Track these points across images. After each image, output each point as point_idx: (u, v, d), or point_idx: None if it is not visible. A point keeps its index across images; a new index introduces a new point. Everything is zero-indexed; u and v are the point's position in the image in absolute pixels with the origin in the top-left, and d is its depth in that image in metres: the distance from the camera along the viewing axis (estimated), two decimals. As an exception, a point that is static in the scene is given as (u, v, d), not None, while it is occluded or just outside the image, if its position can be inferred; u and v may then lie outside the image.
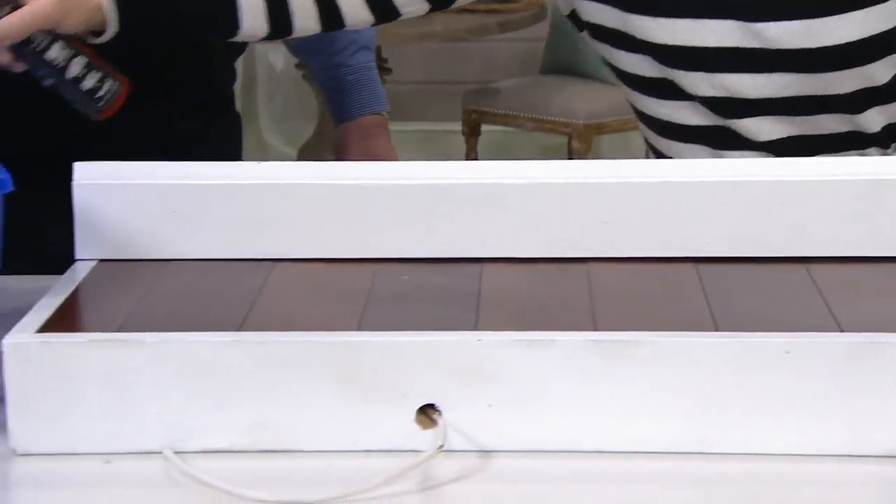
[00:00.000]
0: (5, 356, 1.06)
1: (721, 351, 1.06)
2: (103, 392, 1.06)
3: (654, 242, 1.37)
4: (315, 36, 1.94)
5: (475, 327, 1.15)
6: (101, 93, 1.52)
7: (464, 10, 5.54)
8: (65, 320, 1.15)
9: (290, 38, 1.82)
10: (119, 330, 1.12)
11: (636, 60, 1.75)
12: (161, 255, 1.37)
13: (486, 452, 1.06)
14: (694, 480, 1.05)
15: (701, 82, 1.72)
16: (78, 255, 1.35)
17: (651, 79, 1.77)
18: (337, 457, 1.07)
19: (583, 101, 5.52)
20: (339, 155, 2.26)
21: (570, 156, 5.55)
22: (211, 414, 1.07)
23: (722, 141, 1.75)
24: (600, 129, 5.56)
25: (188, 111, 1.98)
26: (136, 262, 1.36)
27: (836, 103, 1.68)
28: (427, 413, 1.06)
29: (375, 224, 1.38)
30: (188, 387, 1.06)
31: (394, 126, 2.38)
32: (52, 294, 1.20)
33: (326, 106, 2.38)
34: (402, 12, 1.72)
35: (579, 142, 5.47)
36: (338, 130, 2.30)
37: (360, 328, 1.15)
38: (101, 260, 1.33)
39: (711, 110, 1.73)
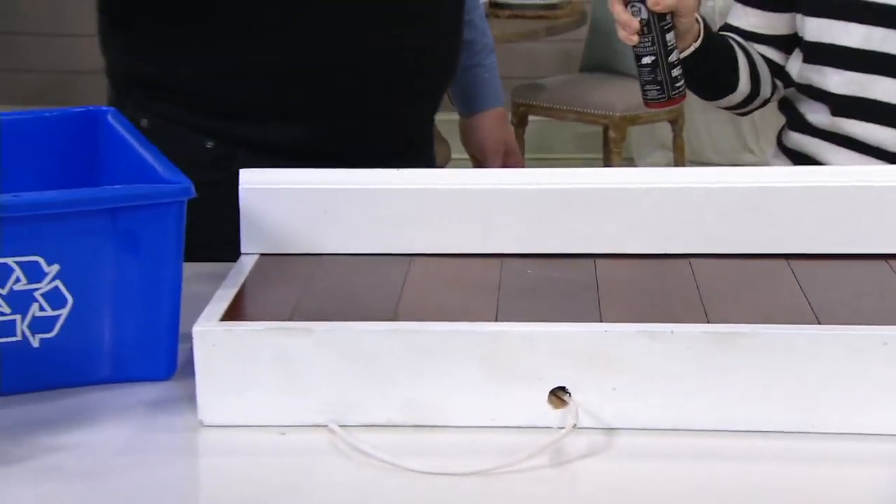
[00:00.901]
0: (195, 342, 1.09)
1: (823, 342, 1.07)
2: (277, 373, 1.09)
3: (747, 240, 1.37)
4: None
5: (600, 319, 1.17)
6: (679, 83, 1.70)
7: (515, 16, 5.63)
8: (241, 309, 1.18)
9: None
10: (289, 318, 1.15)
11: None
12: (314, 251, 1.39)
13: (611, 430, 1.07)
14: (799, 458, 1.05)
15: None
16: (243, 250, 1.37)
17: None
18: (479, 432, 1.09)
19: (618, 95, 5.61)
20: (481, 136, 2.27)
21: (606, 144, 5.73)
22: (370, 393, 1.09)
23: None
24: (633, 120, 5.68)
25: None
26: (293, 255, 1.38)
27: None
28: (558, 395, 1.08)
29: (500, 223, 1.39)
30: (350, 369, 1.09)
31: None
32: (226, 286, 1.23)
33: (456, 100, 2.35)
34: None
35: (615, 131, 5.60)
36: (475, 118, 2.29)
37: (497, 319, 1.17)
38: (263, 254, 1.36)
39: None
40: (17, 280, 1.12)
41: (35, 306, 1.14)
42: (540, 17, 5.76)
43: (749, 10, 1.94)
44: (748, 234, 1.38)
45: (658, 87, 1.72)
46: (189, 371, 1.17)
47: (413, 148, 1.95)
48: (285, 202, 1.39)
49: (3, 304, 1.12)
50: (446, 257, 1.40)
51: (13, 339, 1.14)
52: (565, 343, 1.08)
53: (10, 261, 1.11)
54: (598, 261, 1.36)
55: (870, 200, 1.38)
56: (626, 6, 1.65)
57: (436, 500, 1.01)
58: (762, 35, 1.93)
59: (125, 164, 1.36)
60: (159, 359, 1.21)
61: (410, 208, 1.40)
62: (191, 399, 1.13)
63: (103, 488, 1.04)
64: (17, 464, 1.05)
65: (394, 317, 1.19)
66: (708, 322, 1.15)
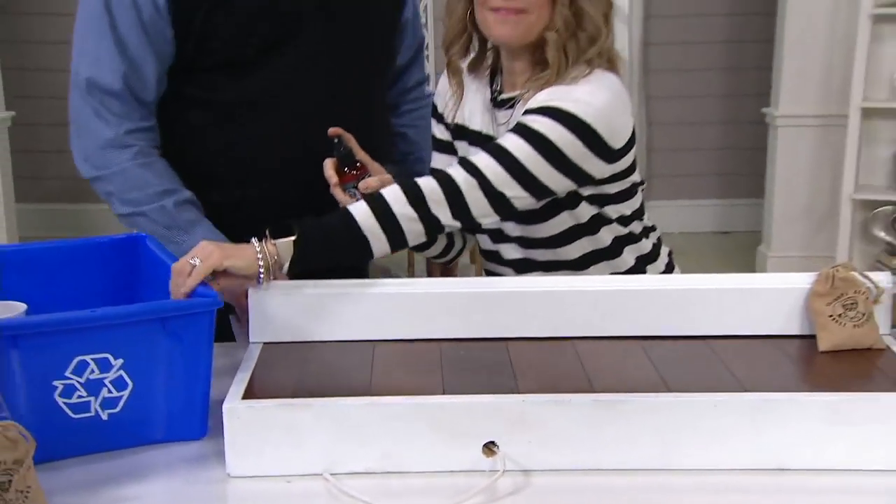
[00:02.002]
0: (225, 415, 1.20)
1: (671, 405, 1.22)
2: (284, 436, 1.19)
3: (613, 327, 1.48)
4: None
5: (517, 390, 1.28)
6: None
7: None
8: (256, 389, 1.27)
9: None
10: (292, 396, 1.24)
11: None
12: (305, 339, 1.48)
13: (528, 471, 1.20)
14: (661, 488, 1.18)
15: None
16: (251, 339, 1.45)
17: None
18: (434, 476, 1.20)
19: None
20: None
21: None
22: (353, 449, 1.20)
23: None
24: None
25: None
26: (289, 343, 1.46)
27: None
28: (489, 447, 1.19)
29: (438, 317, 1.48)
30: (338, 432, 1.20)
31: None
32: (242, 369, 1.32)
33: None
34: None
35: None
36: None
37: (444, 391, 1.28)
38: (266, 343, 1.44)
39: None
40: (92, 371, 1.23)
41: (104, 390, 1.25)
42: None
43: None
44: (613, 323, 1.48)
45: None
46: (216, 431, 1.26)
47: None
48: (284, 302, 1.46)
49: (81, 389, 1.23)
50: (400, 342, 1.48)
51: (88, 414, 1.25)
52: (493, 409, 1.21)
53: (87, 357, 1.22)
54: (510, 343, 1.45)
55: (693, 298, 1.50)
56: (343, 191, 1.61)
57: None
58: None
59: (163, 278, 1.42)
60: (196, 423, 1.30)
61: (374, 307, 1.49)
62: (220, 455, 1.23)
63: None
64: None
65: (368, 391, 1.28)
66: (593, 391, 1.27)
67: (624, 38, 5.80)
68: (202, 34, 1.72)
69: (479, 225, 1.53)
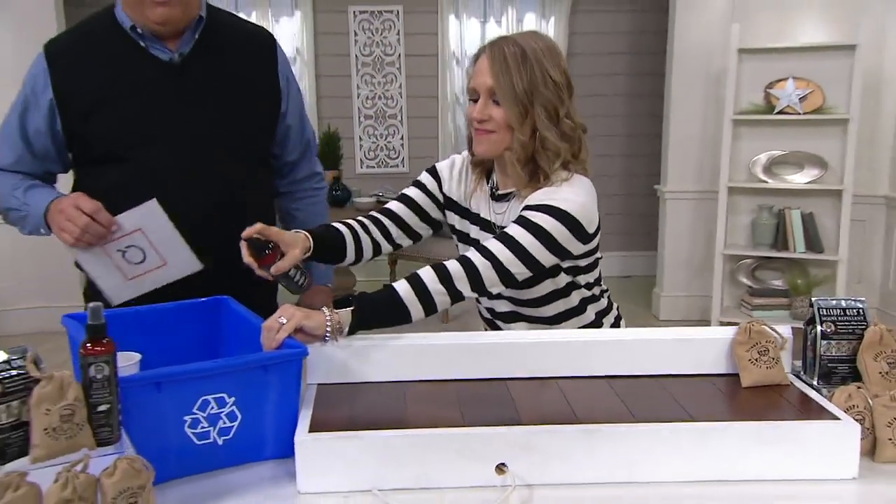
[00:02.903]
0: (297, 446, 1.20)
1: (638, 432, 1.23)
2: (341, 460, 1.19)
3: (586, 368, 1.49)
4: None
5: (520, 422, 1.28)
6: (304, 284, 1.58)
7: None
8: (318, 423, 1.26)
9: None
10: (345, 429, 1.23)
11: None
12: (350, 381, 1.46)
13: (531, 486, 1.20)
14: (632, 496, 1.19)
15: None
16: (308, 381, 1.43)
17: None
18: (459, 491, 1.20)
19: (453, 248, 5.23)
20: (307, 301, 1.87)
21: None
22: (394, 470, 1.20)
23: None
24: None
25: None
26: (339, 384, 1.45)
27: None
28: (501, 467, 1.20)
29: (455, 362, 1.48)
30: (383, 457, 1.20)
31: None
32: (305, 406, 1.31)
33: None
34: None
35: None
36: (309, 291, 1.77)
37: (464, 423, 1.28)
38: (320, 384, 1.43)
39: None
40: (212, 407, 1.24)
41: (221, 421, 1.25)
42: None
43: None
44: (586, 365, 1.49)
45: (295, 289, 1.59)
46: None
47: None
48: (333, 351, 1.44)
49: (204, 421, 1.23)
50: (425, 382, 1.47)
51: (208, 441, 1.25)
52: (503, 438, 1.21)
53: (209, 397, 1.23)
54: (508, 382, 1.46)
55: (646, 346, 1.51)
56: (259, 267, 1.51)
57: None
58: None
59: (246, 332, 1.45)
60: (287, 445, 1.25)
61: (404, 355, 1.48)
62: (290, 476, 1.22)
63: None
64: None
65: (404, 423, 1.28)
66: (578, 421, 1.28)
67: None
68: (84, 135, 1.72)
69: (491, 293, 1.52)
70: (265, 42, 1.85)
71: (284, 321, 1.34)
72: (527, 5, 5.98)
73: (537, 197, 1.52)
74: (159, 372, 1.21)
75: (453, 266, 1.47)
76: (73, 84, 1.70)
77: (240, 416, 1.27)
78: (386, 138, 6.14)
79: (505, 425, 1.26)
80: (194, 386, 1.23)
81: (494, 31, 6.00)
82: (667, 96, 5.08)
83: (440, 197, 1.74)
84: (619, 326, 1.76)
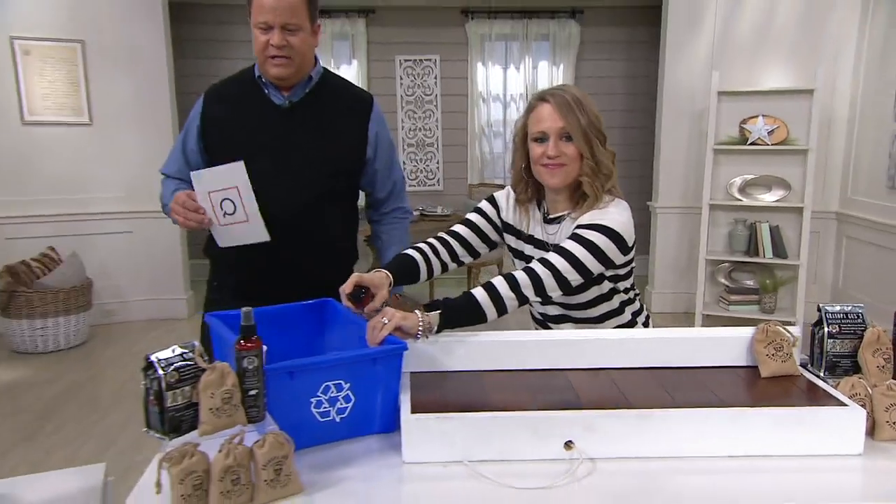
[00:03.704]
0: (402, 424, 1.19)
1: (676, 417, 1.21)
2: (438, 436, 1.19)
3: (629, 362, 1.47)
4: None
5: (582, 407, 1.27)
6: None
7: (428, 219, 5.44)
8: (417, 405, 1.25)
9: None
10: (440, 411, 1.22)
11: None
12: (438, 370, 1.46)
13: (594, 459, 1.19)
14: (676, 468, 1.17)
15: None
16: (403, 370, 1.36)
17: None
18: (535, 463, 1.19)
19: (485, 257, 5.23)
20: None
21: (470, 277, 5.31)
22: (481, 445, 1.19)
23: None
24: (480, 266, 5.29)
25: None
26: (427, 372, 1.44)
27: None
28: (569, 444, 1.19)
29: (525, 355, 1.47)
30: (472, 434, 1.19)
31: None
32: (404, 391, 1.30)
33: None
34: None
35: (476, 269, 5.24)
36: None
37: (536, 407, 1.27)
38: (412, 372, 1.40)
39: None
40: (332, 391, 1.24)
41: (338, 402, 1.25)
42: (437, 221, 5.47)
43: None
44: (632, 359, 1.47)
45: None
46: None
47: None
48: (423, 345, 1.43)
49: (326, 403, 1.23)
50: (499, 371, 1.46)
51: (329, 419, 1.25)
52: (570, 420, 1.20)
53: (330, 383, 1.23)
54: (567, 372, 1.45)
55: (683, 342, 1.49)
56: (356, 309, 1.48)
57: (518, 500, 1.09)
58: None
59: (345, 328, 1.47)
60: (390, 422, 1.29)
61: (482, 349, 1.47)
62: (395, 448, 1.22)
63: (361, 496, 1.12)
64: (322, 486, 1.13)
65: (486, 407, 1.25)
66: (630, 406, 1.26)
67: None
68: (218, 152, 1.80)
69: (550, 297, 1.50)
70: (363, 101, 1.89)
71: (386, 321, 1.34)
72: (540, 55, 5.95)
73: (588, 217, 1.51)
74: (293, 363, 1.21)
75: (520, 276, 1.46)
76: (214, 115, 1.84)
77: (353, 399, 1.27)
78: (424, 162, 6.13)
79: (571, 409, 1.25)
80: (319, 374, 1.23)
81: (513, 75, 5.98)
82: (657, 129, 5.04)
83: (498, 222, 1.72)
84: (648, 324, 1.73)
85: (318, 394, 1.24)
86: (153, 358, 1.09)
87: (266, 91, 1.79)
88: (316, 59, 1.83)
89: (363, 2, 5.80)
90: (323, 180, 1.80)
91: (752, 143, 4.47)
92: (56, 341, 4.27)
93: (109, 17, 4.50)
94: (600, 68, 6.00)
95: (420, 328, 1.38)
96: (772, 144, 4.45)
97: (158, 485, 1.05)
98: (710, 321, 4.64)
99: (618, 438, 1.21)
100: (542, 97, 1.56)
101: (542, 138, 1.55)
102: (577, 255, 1.46)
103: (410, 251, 1.66)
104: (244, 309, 1.14)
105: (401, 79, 5.97)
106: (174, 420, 1.09)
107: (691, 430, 1.21)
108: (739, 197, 4.56)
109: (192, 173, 1.72)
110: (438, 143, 6.09)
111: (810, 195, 4.41)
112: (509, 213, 1.71)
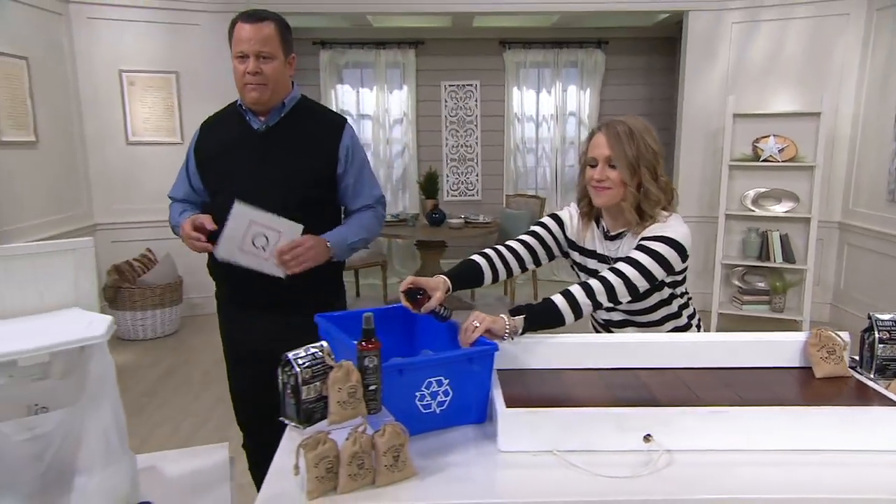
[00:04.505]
0: (499, 417, 1.17)
1: (748, 414, 1.18)
2: (529, 427, 1.17)
3: (695, 362, 1.43)
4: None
5: (658, 404, 1.25)
6: (446, 314, 1.45)
7: (471, 226, 5.37)
8: (510, 400, 1.22)
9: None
10: (528, 405, 1.20)
11: None
12: (521, 367, 1.44)
13: (671, 451, 1.17)
14: (745, 461, 1.13)
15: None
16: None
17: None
18: (616, 454, 1.16)
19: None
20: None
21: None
22: (569, 436, 1.17)
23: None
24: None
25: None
26: (512, 370, 1.42)
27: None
28: (647, 437, 1.17)
29: (597, 354, 1.45)
30: (559, 426, 1.17)
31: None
32: (495, 387, 1.27)
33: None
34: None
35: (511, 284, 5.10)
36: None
37: (617, 403, 1.24)
38: (498, 369, 1.34)
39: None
40: (433, 387, 1.23)
41: (439, 396, 1.25)
42: (480, 228, 5.55)
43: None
44: (698, 360, 1.44)
45: (439, 319, 1.45)
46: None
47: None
48: (509, 345, 1.41)
49: (428, 397, 1.23)
50: (576, 370, 1.44)
51: (430, 411, 1.24)
52: (648, 415, 1.18)
53: (432, 379, 1.23)
54: (638, 371, 1.42)
55: (746, 345, 1.45)
56: (413, 308, 1.43)
57: (605, 487, 1.07)
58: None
59: (433, 328, 1.45)
60: (483, 413, 1.28)
61: (560, 349, 1.45)
62: (491, 437, 1.21)
63: (465, 480, 1.11)
64: (431, 470, 1.12)
65: (570, 402, 1.24)
66: (701, 403, 1.24)
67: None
68: (206, 174, 1.82)
69: (621, 302, 1.48)
70: (335, 124, 1.81)
71: (477, 324, 1.33)
72: (569, 80, 5.90)
73: (651, 230, 1.50)
74: (403, 362, 1.22)
75: (595, 284, 1.45)
76: (204, 142, 1.84)
77: (451, 393, 1.26)
78: (465, 175, 6.12)
79: (648, 405, 1.22)
80: (424, 372, 1.23)
81: (545, 98, 5.93)
82: (676, 147, 4.96)
83: (561, 237, 1.69)
84: (700, 326, 1.69)
85: (422, 388, 1.23)
86: (290, 357, 1.09)
87: (246, 117, 1.77)
88: (293, 87, 1.79)
89: (413, 35, 5.81)
90: (299, 191, 1.72)
91: (764, 160, 4.38)
92: (154, 330, 4.35)
93: (199, 52, 4.57)
94: (623, 92, 5.93)
95: (507, 331, 1.37)
96: (782, 161, 4.35)
97: (297, 467, 1.06)
98: (725, 319, 4.56)
99: (692, 433, 1.18)
100: (599, 127, 1.55)
101: (592, 163, 1.54)
102: (644, 264, 1.45)
103: (476, 257, 1.63)
104: (365, 314, 1.14)
105: (445, 101, 5.96)
106: (308, 411, 1.09)
107: (759, 425, 1.18)
108: (752, 208, 4.47)
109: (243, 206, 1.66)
110: (478, 158, 6.06)
111: (817, 207, 4.31)
112: (573, 231, 1.68)
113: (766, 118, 4.40)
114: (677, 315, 1.63)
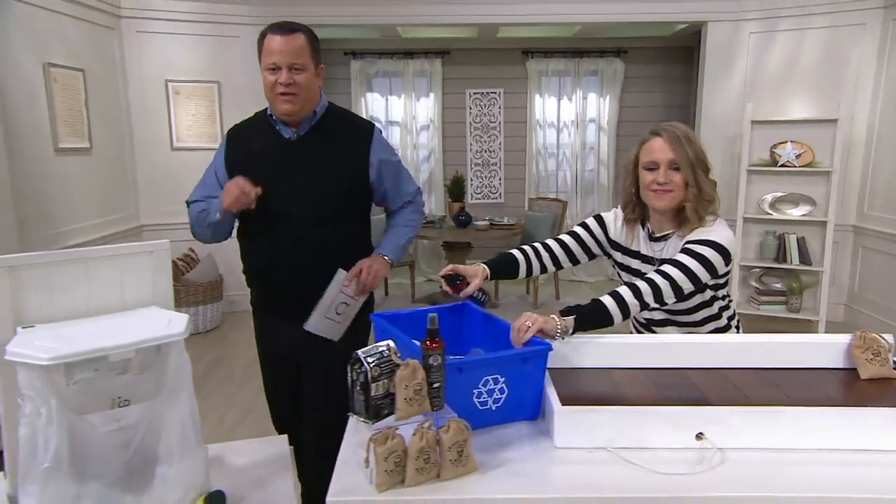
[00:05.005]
0: (556, 415, 1.15)
1: (798, 413, 1.16)
2: (584, 425, 1.16)
3: (742, 362, 1.41)
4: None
5: (709, 403, 1.23)
6: (484, 300, 1.51)
7: (497, 228, 5.34)
8: (564, 398, 1.21)
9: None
10: (582, 403, 1.18)
11: None
12: (571, 366, 1.43)
13: (723, 449, 1.15)
14: (796, 459, 1.11)
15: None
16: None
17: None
18: (670, 451, 1.14)
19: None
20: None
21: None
22: (622, 433, 1.16)
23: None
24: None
25: None
26: (562, 369, 1.41)
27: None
28: (699, 435, 1.15)
29: (646, 354, 1.44)
30: (614, 424, 1.16)
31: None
32: (549, 385, 1.26)
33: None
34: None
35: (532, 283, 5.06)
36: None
37: (669, 402, 1.23)
38: (549, 368, 1.30)
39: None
40: (490, 385, 1.22)
41: (495, 394, 1.24)
42: (504, 229, 5.54)
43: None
44: (743, 359, 1.43)
45: (478, 303, 1.50)
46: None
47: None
48: (559, 345, 1.40)
49: (485, 394, 1.22)
50: (625, 369, 1.43)
51: (487, 407, 1.24)
52: (700, 414, 1.16)
53: (489, 377, 1.22)
54: (686, 371, 1.41)
55: (791, 346, 1.41)
56: (452, 292, 1.47)
57: (662, 484, 1.06)
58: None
59: (485, 326, 1.44)
60: (536, 410, 1.27)
61: (609, 349, 1.44)
62: (546, 434, 1.20)
63: (524, 475, 1.10)
64: (492, 465, 1.11)
65: (622, 401, 1.23)
66: (750, 403, 1.22)
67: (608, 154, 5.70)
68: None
69: (666, 303, 1.46)
70: (364, 130, 1.78)
71: (530, 325, 1.32)
72: (590, 88, 5.85)
73: (697, 234, 1.48)
74: (462, 361, 1.21)
75: (642, 285, 1.43)
76: (233, 149, 1.77)
77: (507, 391, 1.25)
78: (489, 179, 6.10)
79: (699, 405, 1.21)
80: (482, 370, 1.22)
81: (566, 105, 5.89)
82: (694, 153, 4.90)
83: (603, 238, 1.67)
84: (739, 328, 1.67)
85: (479, 386, 1.22)
86: (360, 355, 1.09)
87: (277, 127, 1.72)
88: (321, 96, 1.75)
89: (440, 45, 5.80)
90: (333, 199, 1.71)
91: (781, 165, 4.31)
92: (196, 325, 4.40)
93: (239, 63, 4.61)
94: (641, 99, 5.88)
95: (558, 331, 1.36)
96: (799, 166, 4.28)
97: (367, 461, 1.05)
98: (743, 318, 4.42)
99: (743, 431, 1.17)
100: (655, 132, 1.53)
101: (652, 167, 1.51)
102: (690, 267, 1.43)
103: (514, 251, 1.63)
104: (430, 315, 1.14)
105: (470, 108, 5.95)
106: (376, 407, 1.09)
107: (810, 425, 1.16)
108: (770, 211, 4.41)
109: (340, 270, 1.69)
110: (501, 162, 6.04)
111: (833, 211, 4.23)
112: (616, 233, 1.66)
113: (783, 124, 4.34)
114: (717, 317, 1.60)
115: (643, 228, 1.63)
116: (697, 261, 1.43)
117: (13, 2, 3.30)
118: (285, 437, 1.49)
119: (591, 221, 1.70)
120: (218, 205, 1.69)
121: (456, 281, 1.46)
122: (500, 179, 6.06)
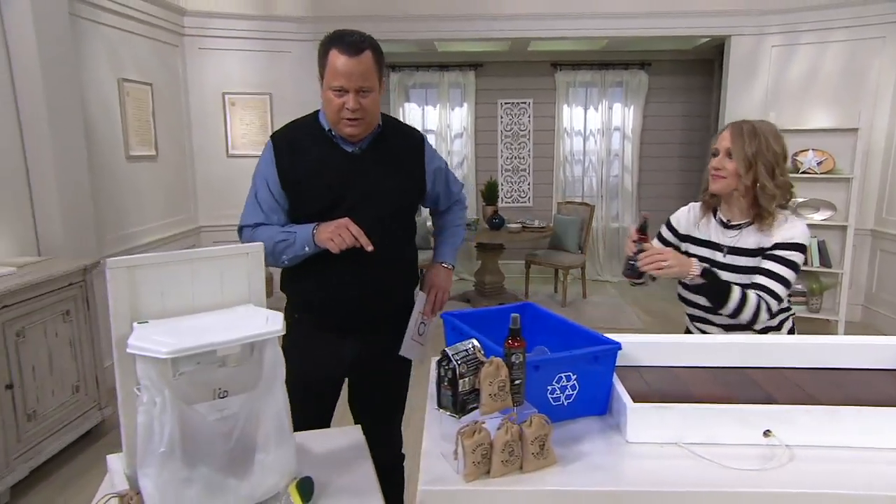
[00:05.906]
0: (628, 411, 1.12)
1: (862, 413, 1.11)
2: (656, 420, 1.11)
3: (806, 362, 1.37)
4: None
5: (776, 402, 1.19)
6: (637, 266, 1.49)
7: (527, 231, 5.30)
8: (634, 395, 1.15)
9: None
10: (651, 400, 1.15)
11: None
12: (636, 364, 1.40)
13: (790, 446, 1.11)
14: (861, 458, 1.06)
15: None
16: None
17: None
18: (736, 447, 1.10)
19: (563, 259, 4.93)
20: (427, 277, 1.74)
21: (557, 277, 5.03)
22: (692, 430, 1.12)
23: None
24: (567, 271, 5.05)
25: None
26: (627, 366, 1.38)
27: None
28: (767, 433, 1.11)
29: (710, 354, 1.40)
30: (685, 420, 1.12)
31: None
32: (617, 383, 1.22)
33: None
34: None
35: (563, 273, 4.97)
36: (431, 265, 1.77)
37: (738, 401, 1.19)
38: (618, 366, 1.28)
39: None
40: (562, 381, 1.20)
41: (567, 390, 1.21)
42: (535, 232, 5.55)
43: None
44: (804, 359, 1.39)
45: (632, 272, 1.52)
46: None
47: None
48: (626, 346, 1.36)
49: (558, 391, 1.18)
50: (690, 368, 1.39)
51: (559, 403, 1.21)
52: (768, 412, 1.12)
53: (562, 374, 1.19)
54: (748, 370, 1.36)
55: (853, 347, 1.38)
56: (636, 233, 1.50)
57: (734, 479, 1.02)
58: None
59: (551, 326, 1.40)
60: (605, 405, 1.24)
61: (674, 348, 1.41)
62: (616, 429, 1.17)
63: (601, 468, 1.07)
64: (570, 459, 1.07)
65: (691, 398, 1.19)
66: (816, 402, 1.18)
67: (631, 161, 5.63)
68: (298, 196, 1.58)
69: (773, 312, 1.50)
70: (416, 140, 1.70)
71: (669, 262, 1.42)
72: (614, 98, 5.80)
73: (781, 235, 1.51)
74: (538, 359, 1.18)
75: (763, 305, 1.49)
76: (285, 160, 1.58)
77: (578, 387, 1.23)
78: (518, 184, 6.07)
79: (766, 403, 1.17)
80: (556, 368, 1.20)
81: (592, 115, 5.84)
82: (717, 160, 4.81)
83: (673, 240, 1.69)
84: (794, 330, 1.62)
85: (553, 383, 1.20)
86: (449, 352, 1.08)
87: (337, 141, 1.58)
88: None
89: (473, 58, 5.79)
90: (399, 210, 1.64)
91: (803, 172, 4.20)
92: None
93: (289, 76, 4.65)
94: (663, 109, 5.80)
95: (689, 276, 1.42)
96: (820, 173, 4.17)
97: (456, 453, 1.04)
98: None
99: (811, 429, 1.13)
100: (728, 125, 1.56)
101: (714, 153, 1.56)
102: (787, 277, 1.50)
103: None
104: (513, 315, 1.12)
105: (501, 118, 5.93)
106: (463, 402, 1.08)
107: (876, 425, 1.12)
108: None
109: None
110: (530, 168, 6.00)
111: (853, 215, 4.12)
112: (687, 224, 1.67)
113: (804, 133, 4.23)
114: (775, 320, 1.58)
115: (714, 217, 1.62)
116: (791, 269, 1.49)
117: (95, 24, 3.38)
118: (359, 426, 1.48)
119: (662, 229, 1.73)
120: (306, 238, 1.53)
121: (644, 232, 1.52)
122: (528, 184, 6.03)
